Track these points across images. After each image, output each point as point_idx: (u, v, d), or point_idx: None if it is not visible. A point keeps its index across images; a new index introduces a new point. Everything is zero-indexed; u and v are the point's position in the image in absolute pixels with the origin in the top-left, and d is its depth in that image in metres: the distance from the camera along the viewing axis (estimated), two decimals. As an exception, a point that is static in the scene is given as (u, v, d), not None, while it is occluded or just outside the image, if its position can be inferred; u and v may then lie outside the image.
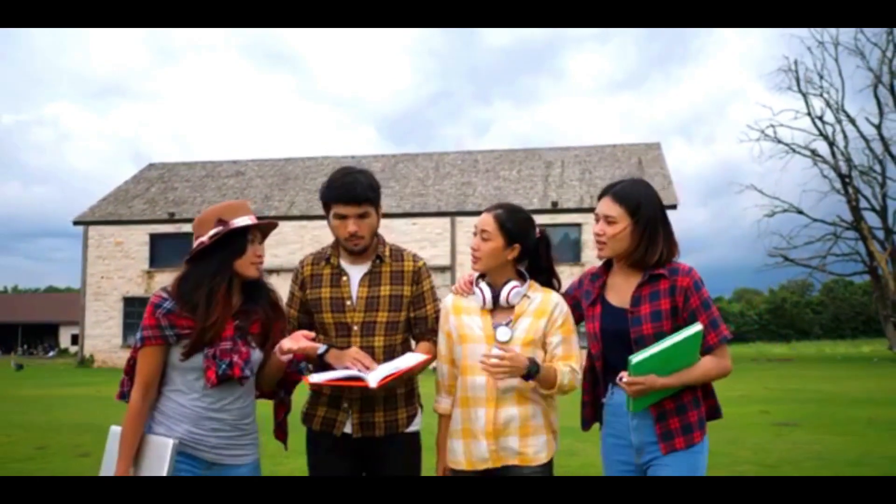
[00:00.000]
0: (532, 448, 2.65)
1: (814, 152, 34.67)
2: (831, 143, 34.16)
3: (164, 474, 2.52)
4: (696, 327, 2.51)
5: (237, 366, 2.60)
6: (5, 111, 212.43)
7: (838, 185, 33.93)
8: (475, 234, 2.80)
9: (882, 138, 32.85)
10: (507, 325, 2.71)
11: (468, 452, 2.69)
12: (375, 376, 2.64)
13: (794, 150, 34.89)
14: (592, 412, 2.81)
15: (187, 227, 30.53)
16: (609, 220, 2.67)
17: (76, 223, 32.21)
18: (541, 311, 2.72)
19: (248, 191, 33.39)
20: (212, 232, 2.63)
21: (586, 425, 2.84)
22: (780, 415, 11.09)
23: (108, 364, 30.60)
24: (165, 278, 30.49)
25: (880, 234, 33.65)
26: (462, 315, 2.79)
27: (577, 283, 2.88)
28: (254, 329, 2.70)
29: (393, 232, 28.49)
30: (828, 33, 37.59)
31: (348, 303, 2.89)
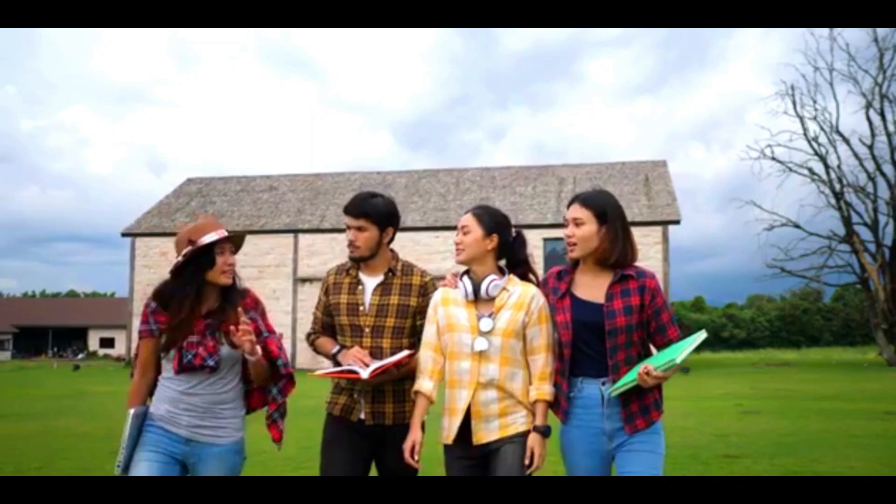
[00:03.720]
0: (512, 424, 2.88)
1: (810, 170, 36.59)
2: (826, 164, 36.18)
3: (126, 436, 2.92)
4: (704, 334, 2.77)
5: (199, 356, 2.92)
6: (25, 116, 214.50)
7: (833, 201, 35.81)
8: (457, 234, 3.06)
9: (874, 158, 34.80)
10: (489, 316, 2.92)
11: (450, 428, 2.93)
12: (368, 369, 3.00)
13: (790, 170, 36.98)
14: (568, 404, 2.90)
15: (227, 239, 32.71)
16: (577, 223, 2.89)
17: (124, 234, 34.47)
18: (519, 304, 2.92)
19: (281, 205, 35.35)
20: (185, 251, 2.96)
21: (568, 417, 2.91)
22: (750, 406, 13.30)
23: (153, 365, 32.75)
24: (207, 286, 32.68)
25: (873, 248, 35.47)
26: (450, 306, 3.01)
27: (542, 282, 3.05)
28: (225, 328, 2.96)
29: (418, 244, 30.57)
30: (823, 59, 39.71)
31: (361, 308, 3.22)
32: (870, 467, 6.89)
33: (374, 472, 3.25)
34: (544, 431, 2.86)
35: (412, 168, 38.36)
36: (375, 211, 3.19)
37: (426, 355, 3.03)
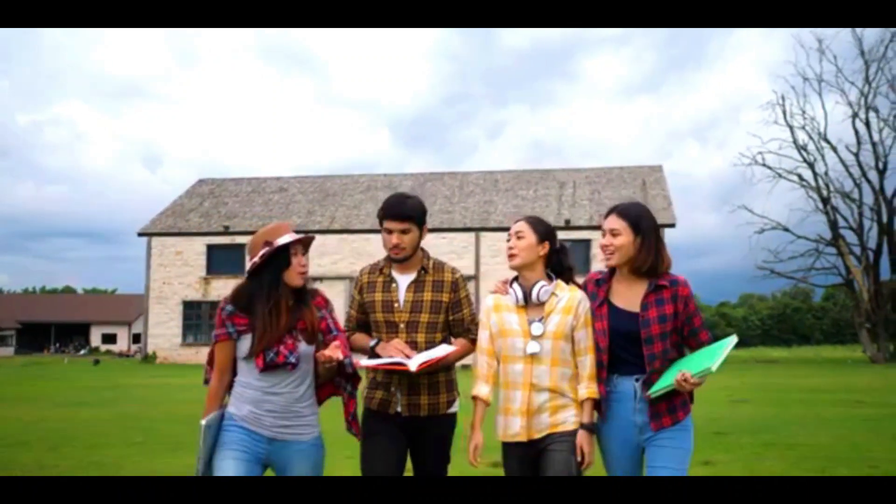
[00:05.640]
0: (562, 420, 3.00)
1: (799, 177, 38.19)
2: (814, 170, 37.78)
3: (201, 447, 2.93)
4: (734, 339, 2.93)
5: (282, 354, 2.98)
6: (20, 111, 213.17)
7: (820, 206, 37.39)
8: (508, 240, 3.16)
9: (859, 165, 36.49)
10: (539, 321, 3.02)
11: (505, 427, 3.05)
12: (415, 362, 3.07)
13: (780, 176, 38.53)
14: (606, 399, 3.04)
15: (241, 239, 33.44)
16: (615, 233, 3.03)
17: (140, 234, 35.31)
18: (568, 308, 3.03)
19: (292, 206, 36.27)
20: (262, 252, 3.03)
21: (604, 411, 3.04)
22: (739, 396, 14.76)
23: (169, 360, 33.27)
24: (220, 284, 33.85)
25: (858, 251, 37.07)
26: (502, 312, 3.11)
27: (582, 287, 3.16)
28: (301, 325, 3.06)
29: (424, 245, 31.68)
30: (812, 69, 41.20)
31: (396, 305, 3.34)
32: (832, 442, 8.36)
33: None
34: (591, 429, 3.00)
35: (413, 167, 40.03)
36: (417, 213, 3.32)
37: (482, 360, 3.14)
